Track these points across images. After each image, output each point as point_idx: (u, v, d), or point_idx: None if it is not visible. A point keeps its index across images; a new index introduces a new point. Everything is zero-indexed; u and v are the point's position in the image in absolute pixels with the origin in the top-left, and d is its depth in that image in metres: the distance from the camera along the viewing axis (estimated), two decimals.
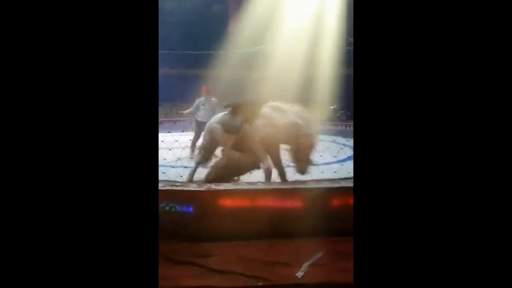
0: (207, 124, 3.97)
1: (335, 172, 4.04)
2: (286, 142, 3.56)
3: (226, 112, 3.70)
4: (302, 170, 3.44)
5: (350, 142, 8.04)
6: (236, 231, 2.70)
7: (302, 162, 3.42)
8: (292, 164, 3.56)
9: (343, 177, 3.79)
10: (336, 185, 3.12)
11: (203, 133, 4.08)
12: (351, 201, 2.98)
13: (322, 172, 4.09)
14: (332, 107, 12.43)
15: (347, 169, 4.54)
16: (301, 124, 3.40)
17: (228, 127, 3.52)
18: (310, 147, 3.43)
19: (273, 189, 3.01)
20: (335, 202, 2.95)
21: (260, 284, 2.15)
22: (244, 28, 9.06)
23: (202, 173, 3.78)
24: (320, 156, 5.58)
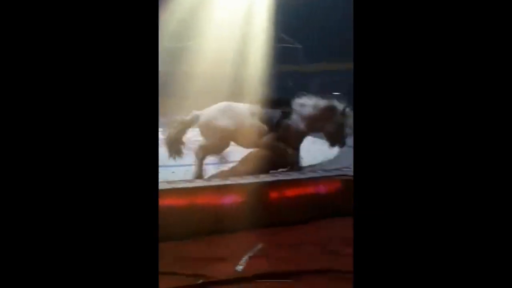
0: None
1: None
2: (317, 130, 3.93)
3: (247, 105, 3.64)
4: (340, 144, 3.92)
5: None
6: (173, 230, 2.60)
7: (339, 138, 3.86)
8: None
9: (280, 170, 3.89)
10: (273, 178, 3.19)
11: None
12: (287, 193, 3.10)
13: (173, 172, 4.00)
14: None
15: None
16: (337, 106, 3.79)
17: (268, 122, 3.57)
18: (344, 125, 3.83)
19: (211, 186, 2.97)
20: (273, 194, 3.02)
21: (200, 281, 2.11)
22: (170, 22, 8.75)
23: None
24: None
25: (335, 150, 5.52)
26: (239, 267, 2.26)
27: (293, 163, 3.72)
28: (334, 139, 3.95)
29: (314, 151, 5.00)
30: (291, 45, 13.39)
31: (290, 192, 3.11)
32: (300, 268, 2.23)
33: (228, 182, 3.09)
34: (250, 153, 3.80)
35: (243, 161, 3.78)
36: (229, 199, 2.89)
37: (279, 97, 4.16)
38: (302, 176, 3.29)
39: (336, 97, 4.18)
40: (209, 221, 2.70)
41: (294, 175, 3.35)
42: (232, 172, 3.60)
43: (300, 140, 3.87)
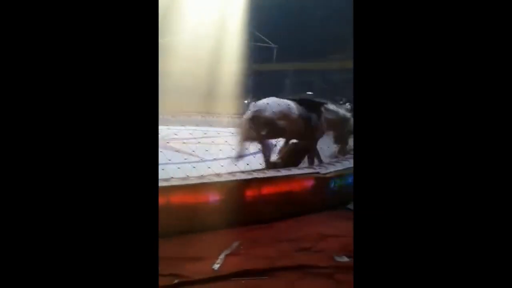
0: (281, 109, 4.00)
1: (247, 164, 4.17)
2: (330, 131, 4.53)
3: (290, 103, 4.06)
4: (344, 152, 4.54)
5: None
6: None
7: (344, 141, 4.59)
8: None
9: (255, 168, 3.94)
10: (249, 176, 3.22)
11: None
12: (263, 190, 3.14)
13: (235, 164, 4.19)
14: (246, 101, 12.82)
15: (259, 161, 4.75)
16: (349, 117, 4.43)
17: (310, 120, 4.12)
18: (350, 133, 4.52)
19: (187, 185, 2.96)
20: (249, 192, 3.05)
21: (175, 281, 2.10)
22: None
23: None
24: (233, 149, 5.72)
25: None
26: (216, 266, 2.27)
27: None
28: (340, 141, 4.73)
29: None
30: (266, 44, 13.46)
31: (266, 190, 3.16)
32: (276, 265, 2.27)
33: (204, 180, 3.08)
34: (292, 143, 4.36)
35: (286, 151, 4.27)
36: (206, 198, 2.90)
37: (314, 99, 4.78)
38: (277, 174, 3.34)
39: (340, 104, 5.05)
40: (185, 220, 2.69)
41: (269, 173, 3.40)
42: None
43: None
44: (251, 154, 5.59)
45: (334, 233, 2.80)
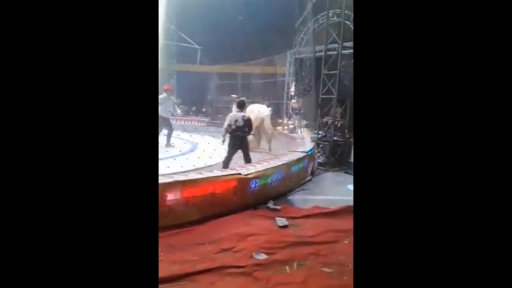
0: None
1: (168, 167, 4.06)
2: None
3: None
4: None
5: (193, 137, 8.31)
6: None
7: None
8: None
9: (184, 170, 3.85)
10: (170, 179, 3.13)
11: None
12: (185, 193, 3.08)
13: (168, 167, 4.07)
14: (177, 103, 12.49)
15: (180, 164, 4.65)
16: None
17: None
18: None
19: None
20: (170, 196, 2.97)
21: None
22: None
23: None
24: (166, 151, 5.53)
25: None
26: None
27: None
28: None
29: (211, 152, 5.08)
30: (190, 45, 13.26)
31: (188, 193, 3.10)
32: (196, 268, 2.25)
33: None
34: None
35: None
36: None
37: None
38: (199, 177, 3.32)
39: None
40: None
41: (191, 176, 3.35)
42: None
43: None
44: (172, 156, 5.46)
45: (254, 232, 2.89)
